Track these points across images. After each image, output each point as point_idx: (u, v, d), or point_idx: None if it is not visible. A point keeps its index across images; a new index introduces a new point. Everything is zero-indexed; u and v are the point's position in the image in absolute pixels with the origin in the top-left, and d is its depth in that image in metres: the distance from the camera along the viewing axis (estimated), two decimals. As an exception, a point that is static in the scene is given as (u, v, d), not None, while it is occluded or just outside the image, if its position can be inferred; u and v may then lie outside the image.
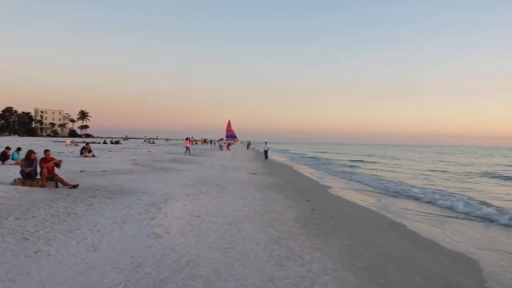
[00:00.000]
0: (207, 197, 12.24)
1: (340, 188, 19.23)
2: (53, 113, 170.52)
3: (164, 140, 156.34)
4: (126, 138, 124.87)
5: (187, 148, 42.45)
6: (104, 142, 67.04)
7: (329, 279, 5.69)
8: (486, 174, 32.51)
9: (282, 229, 8.79)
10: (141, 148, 51.73)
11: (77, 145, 48.08)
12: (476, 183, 25.32)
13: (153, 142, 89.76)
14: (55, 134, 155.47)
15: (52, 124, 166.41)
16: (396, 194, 18.14)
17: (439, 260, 7.43)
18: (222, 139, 68.40)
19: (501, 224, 11.41)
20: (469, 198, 16.99)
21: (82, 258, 5.70)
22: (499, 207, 14.52)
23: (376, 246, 8.09)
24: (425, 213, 13.01)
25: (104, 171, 18.07)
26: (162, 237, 7.11)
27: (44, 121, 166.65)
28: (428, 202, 15.58)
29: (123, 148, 47.35)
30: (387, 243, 8.50)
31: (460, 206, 14.20)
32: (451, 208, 14.15)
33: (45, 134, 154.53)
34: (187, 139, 45.99)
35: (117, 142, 70.45)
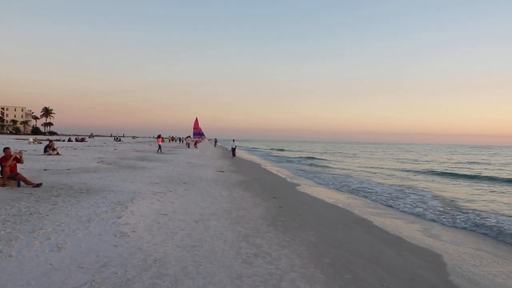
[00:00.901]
0: (174, 195, 12.12)
1: (308, 186, 19.40)
2: (15, 110, 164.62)
3: (131, 138, 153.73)
4: (91, 136, 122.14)
5: (160, 146, 41.89)
6: (69, 140, 65.30)
7: (296, 276, 5.73)
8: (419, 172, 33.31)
9: (249, 226, 8.80)
10: (107, 146, 50.69)
11: (40, 142, 46.70)
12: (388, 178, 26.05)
13: (119, 140, 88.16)
14: (17, 131, 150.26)
15: (14, 121, 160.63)
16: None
17: (404, 255, 7.61)
18: (189, 137, 67.69)
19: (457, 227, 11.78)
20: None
21: (45, 258, 5.54)
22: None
23: (343, 243, 8.21)
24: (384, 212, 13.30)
25: (68, 169, 17.62)
26: (128, 235, 6.99)
27: (5, 118, 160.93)
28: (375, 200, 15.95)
29: (88, 146, 46.28)
30: (354, 239, 8.64)
31: (402, 204, 14.58)
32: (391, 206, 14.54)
33: (8, 132, 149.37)
34: (159, 137, 45.36)
35: (82, 140, 68.77)
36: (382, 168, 35.80)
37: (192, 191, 13.40)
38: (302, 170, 31.21)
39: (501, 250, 8.51)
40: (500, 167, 40.05)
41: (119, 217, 8.22)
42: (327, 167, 35.49)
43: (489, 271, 6.93)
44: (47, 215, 8.07)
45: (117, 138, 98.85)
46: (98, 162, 22.40)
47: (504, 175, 30.15)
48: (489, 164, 45.87)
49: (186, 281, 5.12)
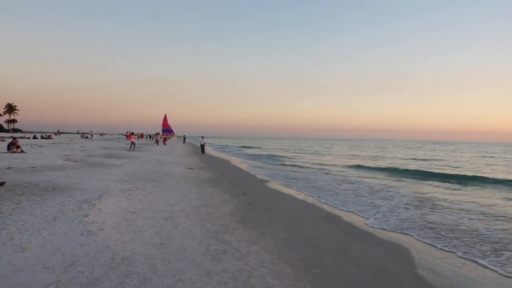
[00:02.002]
0: (143, 193, 11.94)
1: (277, 182, 19.49)
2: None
3: (99, 135, 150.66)
4: (58, 133, 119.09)
5: (132, 143, 41.56)
6: (34, 137, 63.34)
7: (266, 272, 5.74)
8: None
9: (219, 223, 8.76)
10: (74, 143, 49.51)
11: (3, 140, 45.10)
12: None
13: (87, 137, 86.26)
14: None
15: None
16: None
17: (372, 249, 7.74)
18: (158, 134, 67.00)
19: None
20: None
21: (8, 259, 5.34)
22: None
23: (312, 238, 8.28)
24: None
25: (33, 167, 17.09)
26: (96, 234, 6.83)
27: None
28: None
29: (54, 143, 45.03)
30: (323, 234, 8.73)
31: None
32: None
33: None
34: (132, 134, 45.10)
35: (48, 137, 66.77)
36: (327, 164, 36.20)
37: (161, 188, 13.24)
38: (270, 167, 31.30)
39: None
40: (437, 163, 41.17)
41: (86, 216, 8.03)
42: (296, 165, 35.68)
43: (453, 263, 7.15)
44: (10, 215, 7.79)
45: (84, 135, 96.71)
46: (64, 160, 21.82)
47: (433, 169, 30.83)
48: (437, 160, 46.55)
49: (155, 279, 5.04)
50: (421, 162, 41.36)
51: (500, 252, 7.90)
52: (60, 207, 8.72)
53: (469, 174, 26.72)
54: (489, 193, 17.91)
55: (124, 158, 26.50)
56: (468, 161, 45.47)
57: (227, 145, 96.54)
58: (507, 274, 6.62)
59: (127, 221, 8.16)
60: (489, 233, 9.57)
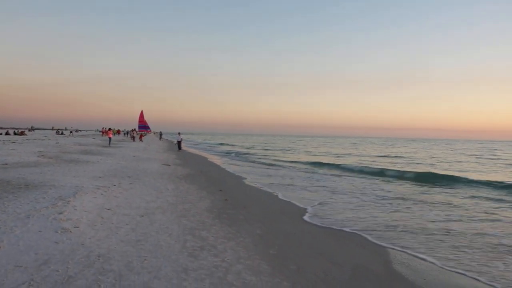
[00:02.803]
0: (119, 189, 11.76)
1: (253, 178, 19.48)
2: None
3: (74, 131, 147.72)
4: (32, 129, 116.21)
5: (110, 139, 42.06)
6: (7, 133, 61.61)
7: (242, 268, 5.72)
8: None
9: (195, 219, 8.70)
10: (48, 139, 48.42)
11: (-25, 136, 43.83)
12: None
13: (61, 133, 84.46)
14: None
15: None
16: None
17: (348, 245, 7.80)
18: (134, 130, 66.03)
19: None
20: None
21: (-20, 257, 5.19)
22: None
23: (288, 234, 8.31)
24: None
25: (6, 164, 16.63)
26: (70, 231, 6.69)
27: None
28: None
29: (28, 140, 43.92)
30: (299, 230, 8.77)
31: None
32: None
33: None
34: (109, 130, 45.16)
35: (21, 133, 65.07)
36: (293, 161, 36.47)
37: (137, 185, 13.07)
38: (247, 164, 31.30)
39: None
40: (394, 160, 41.90)
41: (61, 213, 7.85)
42: (271, 162, 35.76)
43: (428, 259, 7.27)
44: (-18, 212, 7.58)
45: (59, 131, 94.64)
46: (38, 156, 21.30)
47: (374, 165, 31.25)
48: (398, 157, 46.87)
49: (131, 276, 4.97)
50: (380, 158, 41.84)
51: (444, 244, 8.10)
52: (33, 205, 8.50)
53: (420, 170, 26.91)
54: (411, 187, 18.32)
55: (100, 154, 26.06)
56: (433, 157, 46.38)
57: (202, 141, 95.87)
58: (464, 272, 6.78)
59: (102, 218, 8.02)
60: (435, 227, 9.79)
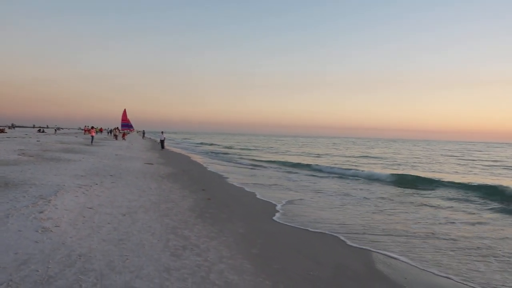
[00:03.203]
0: (101, 188, 11.63)
1: (236, 178, 19.44)
2: None
3: (56, 129, 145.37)
4: (12, 127, 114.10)
5: (93, 137, 41.77)
6: (-14, 131, 60.43)
7: (225, 267, 5.71)
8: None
9: (178, 218, 8.65)
10: (29, 137, 47.58)
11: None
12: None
13: (43, 131, 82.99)
14: None
15: None
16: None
17: (330, 245, 7.83)
18: (117, 128, 65.37)
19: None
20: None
21: (-43, 257, 5.06)
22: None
23: (271, 233, 8.31)
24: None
25: (-15, 161, 16.31)
26: (51, 231, 6.58)
27: None
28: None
29: (8, 137, 43.08)
30: (281, 230, 8.78)
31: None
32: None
33: None
34: (92, 128, 44.81)
35: (1, 131, 63.78)
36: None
37: (119, 184, 12.94)
38: (230, 163, 31.23)
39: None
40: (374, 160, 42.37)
41: (41, 212, 7.71)
42: (255, 163, 35.75)
43: (410, 256, 7.36)
44: (-40, 211, 7.40)
45: (41, 129, 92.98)
46: (19, 155, 20.91)
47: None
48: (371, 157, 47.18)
49: (112, 276, 4.91)
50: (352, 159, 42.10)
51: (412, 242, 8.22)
52: (13, 203, 8.34)
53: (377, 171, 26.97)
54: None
55: (82, 153, 25.72)
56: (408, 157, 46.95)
57: (182, 141, 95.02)
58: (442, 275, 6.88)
59: (84, 217, 7.92)
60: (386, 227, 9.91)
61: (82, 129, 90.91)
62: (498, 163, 40.24)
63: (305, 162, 33.03)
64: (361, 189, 17.21)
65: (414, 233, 9.24)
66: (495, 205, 13.98)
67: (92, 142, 39.90)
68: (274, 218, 10.03)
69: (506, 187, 17.15)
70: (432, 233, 9.25)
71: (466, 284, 6.05)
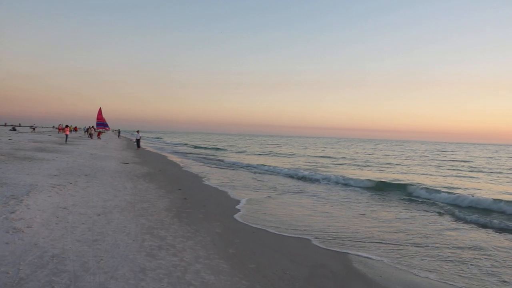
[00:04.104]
0: (75, 188, 11.37)
1: (212, 178, 19.32)
2: None
3: (29, 127, 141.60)
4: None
5: (67, 136, 41.12)
6: (-44, 129, 58.47)
7: (201, 267, 5.64)
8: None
9: (153, 218, 8.52)
10: (0, 135, 46.28)
11: None
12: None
13: (14, 129, 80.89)
14: None
15: None
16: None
17: (308, 245, 7.83)
18: (92, 127, 64.13)
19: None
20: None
21: None
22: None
23: (247, 233, 8.27)
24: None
25: (-46, 160, 15.76)
26: (23, 231, 6.38)
27: None
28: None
29: (-22, 136, 41.90)
30: (258, 230, 8.75)
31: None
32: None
33: None
34: (66, 126, 43.99)
35: (-29, 129, 61.82)
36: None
37: (94, 183, 12.68)
38: (206, 163, 31.05)
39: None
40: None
41: (13, 212, 7.47)
42: (231, 162, 35.65)
43: (385, 254, 7.42)
44: None
45: (12, 128, 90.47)
46: (-11, 153, 20.32)
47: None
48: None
49: (86, 277, 4.78)
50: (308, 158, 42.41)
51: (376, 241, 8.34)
52: (-17, 203, 8.07)
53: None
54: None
55: (56, 152, 25.14)
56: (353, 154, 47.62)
57: (161, 139, 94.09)
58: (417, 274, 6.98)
59: (57, 217, 7.71)
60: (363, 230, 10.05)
61: (56, 128, 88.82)
62: (465, 164, 41.09)
63: (276, 163, 33.16)
64: (330, 189, 17.34)
65: (382, 234, 9.37)
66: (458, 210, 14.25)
67: (66, 141, 39.10)
68: (243, 216, 9.99)
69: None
70: (401, 235, 9.38)
71: (443, 282, 6.14)
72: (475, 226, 10.49)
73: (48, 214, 7.82)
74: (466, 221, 11.05)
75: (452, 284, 6.04)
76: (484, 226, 10.52)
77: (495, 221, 10.83)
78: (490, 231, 9.99)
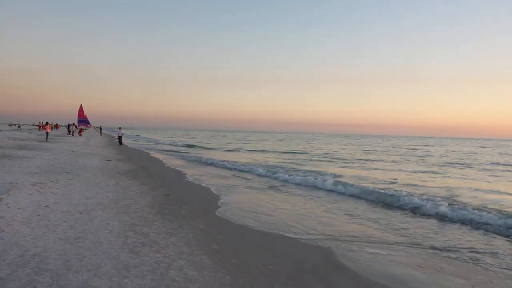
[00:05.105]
0: (56, 185, 11.19)
1: (195, 174, 19.24)
2: None
3: (8, 125, 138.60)
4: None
5: (48, 133, 40.39)
6: None
7: (184, 263, 5.62)
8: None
9: (136, 215, 8.45)
10: (-21, 133, 45.23)
11: None
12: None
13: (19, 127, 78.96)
14: None
15: None
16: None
17: (291, 240, 7.85)
18: (73, 124, 63.16)
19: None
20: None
21: None
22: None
23: (230, 229, 8.27)
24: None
25: None
26: (3, 230, 6.26)
27: None
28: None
29: (-44, 134, 40.90)
30: (242, 225, 8.75)
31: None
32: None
33: None
34: (47, 124, 43.28)
35: None
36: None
37: (76, 181, 12.49)
38: (189, 160, 30.88)
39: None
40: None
41: (-8, 211, 7.34)
42: (214, 159, 35.54)
43: (367, 250, 7.51)
44: None
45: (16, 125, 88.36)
46: (-33, 151, 19.85)
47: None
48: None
49: (69, 275, 4.72)
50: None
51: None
52: (-38, 202, 7.89)
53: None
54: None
55: (37, 149, 24.67)
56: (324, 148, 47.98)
57: (143, 137, 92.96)
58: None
59: (38, 215, 7.58)
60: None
61: (37, 125, 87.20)
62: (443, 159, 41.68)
63: (256, 158, 33.21)
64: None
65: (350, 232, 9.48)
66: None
67: (47, 138, 38.32)
68: (226, 213, 9.99)
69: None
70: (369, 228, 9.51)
71: (423, 272, 6.25)
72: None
73: (29, 213, 7.69)
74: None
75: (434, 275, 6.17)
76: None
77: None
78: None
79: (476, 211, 10.84)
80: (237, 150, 47.56)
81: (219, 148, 50.98)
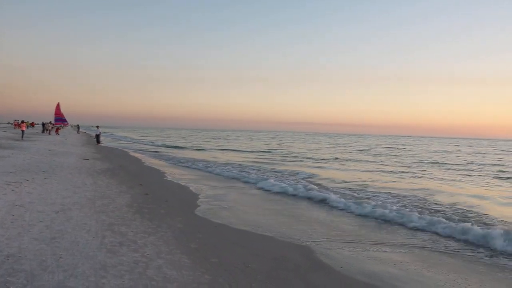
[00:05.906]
0: (32, 185, 10.94)
1: (175, 173, 19.09)
2: None
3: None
4: None
5: (23, 132, 39.48)
6: None
7: (163, 262, 5.56)
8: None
9: (114, 215, 8.32)
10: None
11: None
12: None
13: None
14: None
15: None
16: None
17: (270, 239, 7.85)
18: (50, 123, 61.91)
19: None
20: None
21: None
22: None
23: (209, 228, 8.22)
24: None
25: None
26: (-24, 231, 6.09)
27: None
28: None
29: None
30: (221, 224, 8.71)
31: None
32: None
33: None
34: (23, 122, 42.42)
35: None
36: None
37: (52, 180, 12.24)
38: (168, 159, 30.61)
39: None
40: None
41: (-35, 211, 7.13)
42: (195, 158, 35.30)
43: (341, 246, 7.58)
44: None
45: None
46: None
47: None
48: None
49: (45, 276, 4.62)
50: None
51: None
52: None
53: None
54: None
55: (12, 148, 24.09)
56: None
57: (124, 136, 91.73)
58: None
59: (13, 215, 7.40)
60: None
61: (12, 124, 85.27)
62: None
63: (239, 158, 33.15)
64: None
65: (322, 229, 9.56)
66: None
67: (22, 137, 37.46)
68: (205, 211, 9.95)
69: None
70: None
71: (401, 269, 6.34)
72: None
73: (3, 213, 7.49)
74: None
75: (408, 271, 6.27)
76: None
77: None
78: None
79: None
80: (203, 149, 47.08)
81: (191, 146, 50.52)
